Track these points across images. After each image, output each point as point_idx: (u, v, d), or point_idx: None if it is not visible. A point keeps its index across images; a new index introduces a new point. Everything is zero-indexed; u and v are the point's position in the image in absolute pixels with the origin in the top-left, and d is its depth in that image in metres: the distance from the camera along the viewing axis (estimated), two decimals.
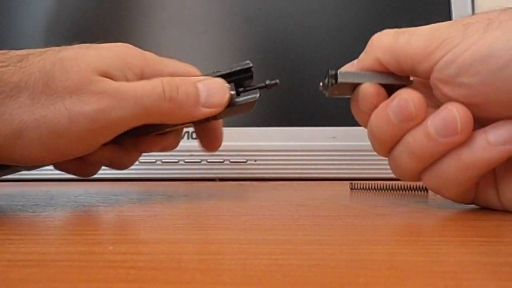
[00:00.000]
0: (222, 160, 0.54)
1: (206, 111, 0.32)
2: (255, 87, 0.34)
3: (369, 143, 0.30)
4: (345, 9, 0.59)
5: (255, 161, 0.55)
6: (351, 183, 0.41)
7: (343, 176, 0.52)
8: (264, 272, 0.17)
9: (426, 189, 0.38)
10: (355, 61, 0.31)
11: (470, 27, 0.27)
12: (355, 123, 0.31)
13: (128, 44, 0.33)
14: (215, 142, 0.36)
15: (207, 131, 0.36)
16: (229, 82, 0.33)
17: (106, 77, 0.30)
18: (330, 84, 0.30)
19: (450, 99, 0.27)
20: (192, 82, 0.32)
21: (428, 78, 0.28)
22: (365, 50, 0.30)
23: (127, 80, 0.31)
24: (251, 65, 0.33)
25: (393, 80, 0.29)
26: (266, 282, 0.16)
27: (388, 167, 0.30)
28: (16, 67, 0.29)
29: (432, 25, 0.28)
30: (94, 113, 0.29)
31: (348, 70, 0.31)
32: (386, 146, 0.29)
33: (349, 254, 0.20)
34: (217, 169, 0.54)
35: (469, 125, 0.26)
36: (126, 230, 0.24)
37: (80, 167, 0.34)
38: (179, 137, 0.36)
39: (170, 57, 0.35)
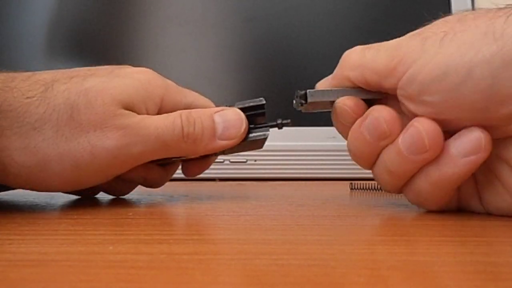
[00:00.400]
0: (222, 160, 0.54)
1: (223, 144, 0.32)
2: (266, 125, 0.33)
3: None
4: (345, 8, 0.59)
5: (255, 161, 0.55)
6: (351, 183, 0.41)
7: (343, 176, 0.52)
8: (264, 272, 0.17)
9: None
10: (330, 76, 0.31)
11: (427, 41, 0.26)
12: None
13: (149, 70, 0.33)
14: (196, 171, 0.35)
15: (196, 161, 0.35)
16: None
17: (129, 109, 0.30)
18: (300, 104, 0.30)
19: (417, 115, 0.27)
20: (209, 114, 0.32)
21: (395, 93, 0.28)
22: (337, 67, 0.30)
23: (148, 111, 0.31)
24: (264, 102, 0.33)
25: (365, 95, 0.29)
26: (266, 282, 0.16)
27: None
28: (41, 98, 0.29)
29: (396, 39, 0.28)
30: (117, 149, 0.29)
31: (318, 88, 0.31)
32: (367, 164, 0.29)
33: (349, 254, 0.20)
34: (217, 169, 0.54)
35: (438, 140, 0.26)
36: (126, 230, 0.24)
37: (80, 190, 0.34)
38: (167, 177, 0.35)
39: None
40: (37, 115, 0.28)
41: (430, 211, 0.29)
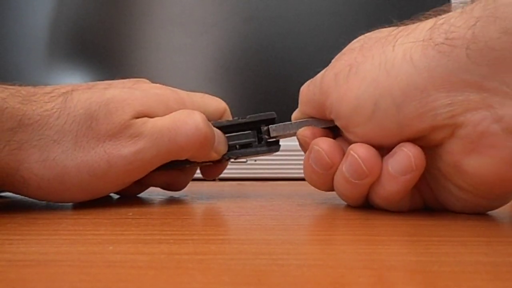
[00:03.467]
0: None
1: (214, 156, 0.33)
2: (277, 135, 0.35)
3: None
4: (345, 8, 0.59)
5: (255, 161, 0.55)
6: None
7: None
8: (264, 272, 0.17)
9: None
10: (297, 109, 0.34)
11: (338, 76, 0.28)
12: None
13: (164, 86, 0.34)
14: (215, 174, 0.37)
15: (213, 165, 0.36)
16: (252, 129, 0.35)
17: (145, 116, 0.30)
18: (265, 139, 0.34)
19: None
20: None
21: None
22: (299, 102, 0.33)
23: None
24: (275, 116, 0.34)
25: (324, 124, 0.31)
26: (266, 282, 0.16)
27: None
28: (61, 108, 0.29)
29: (323, 70, 0.30)
30: (132, 155, 0.30)
31: (293, 117, 0.34)
32: (325, 189, 0.31)
33: (349, 254, 0.20)
34: None
35: (375, 163, 0.27)
36: (126, 230, 0.24)
37: None
38: (187, 180, 0.37)
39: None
40: (57, 127, 0.29)
41: (430, 212, 0.29)
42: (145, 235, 0.23)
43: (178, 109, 0.32)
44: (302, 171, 0.56)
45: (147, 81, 0.35)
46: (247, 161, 0.55)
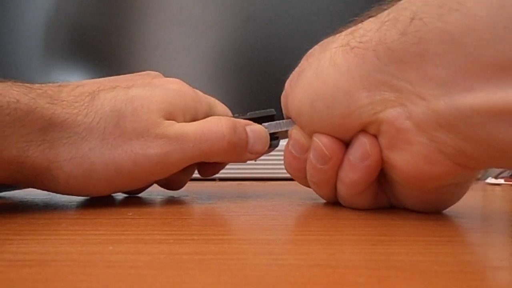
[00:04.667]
0: None
1: (250, 157, 0.34)
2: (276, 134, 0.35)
3: None
4: (344, 8, 0.59)
5: (255, 161, 0.55)
6: None
7: None
8: (264, 272, 0.17)
9: None
10: None
11: (291, 82, 0.31)
12: None
13: (180, 81, 0.35)
14: (212, 172, 0.37)
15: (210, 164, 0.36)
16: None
17: (170, 118, 0.31)
18: None
19: None
20: (243, 126, 0.33)
21: None
22: None
23: (185, 120, 0.32)
24: (274, 113, 0.35)
25: None
26: (266, 282, 0.16)
27: None
28: (88, 106, 0.30)
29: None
30: (157, 157, 0.30)
31: (272, 122, 0.35)
32: (301, 180, 0.32)
33: (349, 254, 0.20)
34: None
35: (336, 148, 0.29)
36: (126, 230, 0.24)
37: None
38: (187, 178, 0.37)
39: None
40: (84, 125, 0.29)
41: (430, 212, 0.29)
42: (145, 235, 0.23)
43: (195, 106, 0.33)
44: None
45: (160, 74, 0.36)
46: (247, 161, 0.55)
